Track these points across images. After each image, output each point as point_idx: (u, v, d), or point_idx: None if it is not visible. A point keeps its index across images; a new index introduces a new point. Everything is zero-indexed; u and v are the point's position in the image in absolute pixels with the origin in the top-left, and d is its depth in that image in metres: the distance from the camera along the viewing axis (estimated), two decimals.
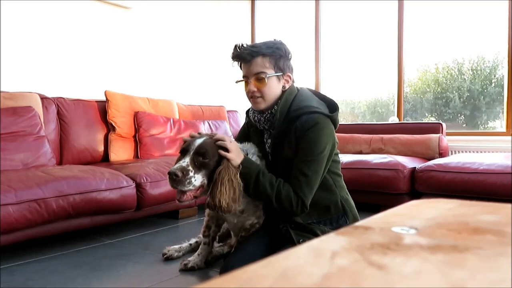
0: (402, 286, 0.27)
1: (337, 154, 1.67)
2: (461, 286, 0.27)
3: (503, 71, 3.82)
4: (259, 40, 5.16)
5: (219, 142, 1.55)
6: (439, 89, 4.34)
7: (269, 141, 1.66)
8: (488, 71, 4.06)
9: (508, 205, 0.51)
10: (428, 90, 4.41)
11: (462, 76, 4.22)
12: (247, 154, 1.64)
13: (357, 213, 1.69)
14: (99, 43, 3.52)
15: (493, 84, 4.01)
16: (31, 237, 2.03)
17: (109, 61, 3.61)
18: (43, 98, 2.88)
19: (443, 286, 0.27)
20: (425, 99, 4.40)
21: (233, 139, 1.65)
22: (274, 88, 1.58)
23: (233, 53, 1.62)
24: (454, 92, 4.21)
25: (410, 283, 0.27)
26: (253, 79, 1.56)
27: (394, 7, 4.21)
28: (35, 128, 2.60)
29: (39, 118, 2.70)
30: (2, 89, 2.78)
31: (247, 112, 1.82)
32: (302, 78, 4.78)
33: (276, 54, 1.57)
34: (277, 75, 1.57)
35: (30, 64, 3.09)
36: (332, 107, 1.60)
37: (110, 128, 3.18)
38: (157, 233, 2.53)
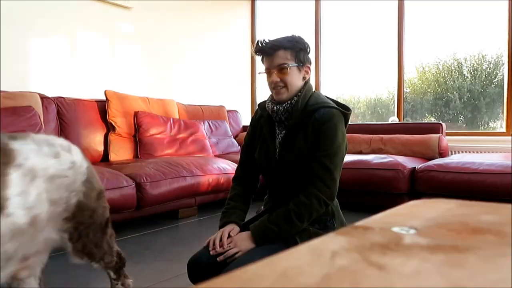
0: (402, 286, 0.27)
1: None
2: (461, 286, 0.27)
3: (503, 72, 3.82)
4: None
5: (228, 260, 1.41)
6: (439, 90, 4.34)
7: (283, 132, 1.65)
8: (489, 71, 4.06)
9: (508, 205, 0.51)
10: (428, 90, 4.41)
11: (463, 77, 4.22)
12: None
13: (343, 218, 1.70)
14: (99, 43, 3.53)
15: (493, 85, 4.01)
16: None
17: (109, 61, 3.61)
18: (43, 98, 2.88)
19: (443, 286, 0.27)
20: (425, 99, 4.40)
21: (231, 228, 1.52)
22: (295, 78, 1.62)
23: (255, 48, 1.66)
24: (455, 92, 4.21)
25: (410, 283, 0.27)
26: (275, 70, 1.60)
27: (394, 7, 4.21)
28: (35, 128, 2.60)
29: (39, 117, 2.70)
30: (2, 89, 2.78)
31: (260, 104, 1.80)
32: None
33: (296, 47, 1.62)
34: (298, 66, 1.63)
35: (30, 64, 3.09)
36: (345, 108, 1.65)
37: (110, 128, 3.18)
38: (157, 233, 2.52)
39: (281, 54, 1.59)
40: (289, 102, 1.61)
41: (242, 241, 1.46)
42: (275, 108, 1.64)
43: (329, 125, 1.51)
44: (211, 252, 1.45)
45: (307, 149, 1.54)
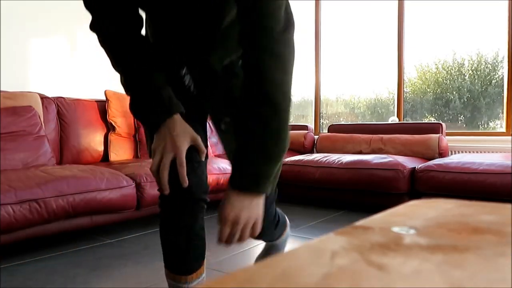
0: (402, 286, 0.27)
1: None
2: (461, 286, 0.27)
3: (503, 71, 3.82)
4: None
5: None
6: (439, 90, 4.34)
7: None
8: (488, 71, 4.06)
9: (508, 205, 0.51)
10: (428, 90, 4.41)
11: (462, 76, 4.22)
12: None
13: None
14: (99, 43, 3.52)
15: (493, 85, 4.01)
16: (31, 237, 2.03)
17: (109, 61, 3.61)
18: (43, 98, 2.88)
19: (443, 286, 0.27)
20: (425, 99, 4.41)
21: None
22: None
23: None
24: (454, 92, 4.21)
25: (410, 283, 0.27)
26: None
27: (394, 7, 4.22)
28: (35, 128, 2.61)
29: (39, 117, 2.70)
30: (2, 89, 2.78)
31: None
32: (302, 78, 4.78)
33: None
34: None
35: (30, 64, 3.09)
36: None
37: (110, 128, 3.19)
38: (157, 233, 2.52)
39: None
40: None
41: (242, 209, 0.89)
42: None
43: None
44: (166, 193, 0.95)
45: None
